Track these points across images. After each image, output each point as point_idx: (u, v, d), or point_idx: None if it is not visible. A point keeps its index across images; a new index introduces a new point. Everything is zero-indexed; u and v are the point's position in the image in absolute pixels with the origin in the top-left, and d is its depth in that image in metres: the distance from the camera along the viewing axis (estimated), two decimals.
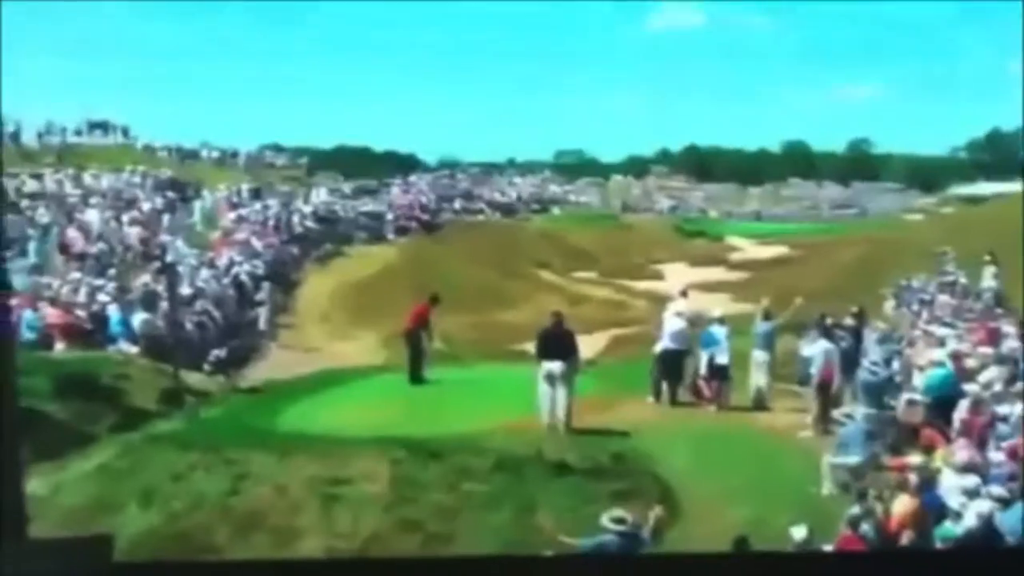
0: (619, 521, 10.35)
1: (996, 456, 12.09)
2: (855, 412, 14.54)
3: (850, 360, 16.53)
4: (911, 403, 14.89)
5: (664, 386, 17.23)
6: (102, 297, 21.68)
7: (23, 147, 39.53)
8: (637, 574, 4.69)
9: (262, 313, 27.54)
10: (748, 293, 34.10)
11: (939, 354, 15.72)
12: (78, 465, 14.25)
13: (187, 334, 22.11)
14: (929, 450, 13.00)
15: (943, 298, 26.71)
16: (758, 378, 17.26)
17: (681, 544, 11.39)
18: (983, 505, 10.50)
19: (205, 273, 26.97)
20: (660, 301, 26.23)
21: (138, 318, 21.15)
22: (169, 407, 17.10)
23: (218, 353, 22.88)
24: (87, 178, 34.53)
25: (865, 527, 10.59)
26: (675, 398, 17.20)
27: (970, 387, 14.14)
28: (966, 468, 11.52)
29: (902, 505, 11.13)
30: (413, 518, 12.54)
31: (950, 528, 10.50)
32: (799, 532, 10.47)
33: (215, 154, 51.42)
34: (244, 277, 28.39)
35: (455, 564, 5.23)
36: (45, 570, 4.02)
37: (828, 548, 10.32)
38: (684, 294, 20.09)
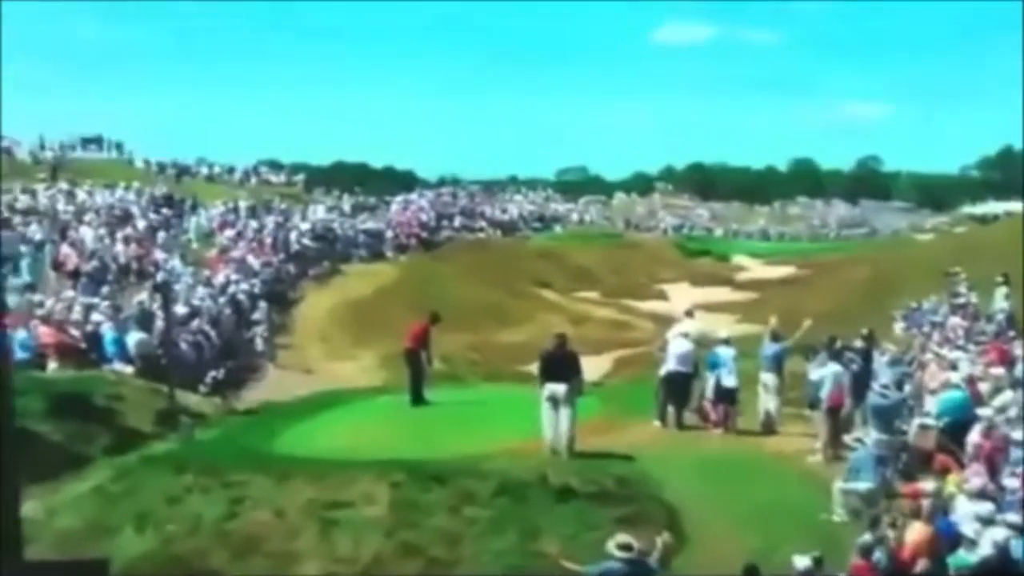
0: (625, 548, 10.35)
1: (1011, 482, 12.08)
2: (866, 437, 14.53)
3: (860, 383, 16.51)
4: (923, 427, 14.91)
5: (670, 409, 17.24)
6: (96, 316, 21.66)
7: (16, 161, 39.64)
8: None
9: (259, 333, 27.56)
10: (755, 314, 34.17)
11: (954, 377, 15.73)
12: (72, 487, 14.25)
13: (183, 354, 22.10)
14: (942, 475, 13.00)
15: (954, 320, 26.72)
16: (766, 401, 17.27)
17: (687, 572, 11.40)
18: (998, 533, 10.51)
19: (201, 291, 26.98)
20: (665, 322, 26.32)
21: (133, 337, 21.14)
22: (164, 429, 17.08)
23: (214, 373, 22.92)
24: (81, 194, 34.60)
25: (877, 555, 10.59)
26: (681, 421, 17.21)
27: (983, 411, 14.15)
28: (980, 494, 11.52)
29: (915, 532, 11.12)
30: (414, 543, 12.53)
31: (965, 556, 10.50)
32: (802, 561, 10.46)
33: (211, 170, 51.53)
34: (241, 296, 28.42)
35: None
36: None
37: None
38: (690, 314, 20.11)
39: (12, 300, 21.03)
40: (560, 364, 15.46)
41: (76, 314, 21.67)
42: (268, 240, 35.25)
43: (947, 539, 10.93)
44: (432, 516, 12.94)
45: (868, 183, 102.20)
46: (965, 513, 11.23)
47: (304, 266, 35.78)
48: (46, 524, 12.81)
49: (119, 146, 50.19)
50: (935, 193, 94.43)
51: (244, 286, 29.15)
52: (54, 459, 14.81)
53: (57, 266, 26.40)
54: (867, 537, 10.94)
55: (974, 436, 13.48)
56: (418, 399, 19.08)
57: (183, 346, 22.45)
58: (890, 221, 79.73)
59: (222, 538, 12.79)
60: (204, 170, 51.18)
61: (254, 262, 32.16)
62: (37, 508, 12.91)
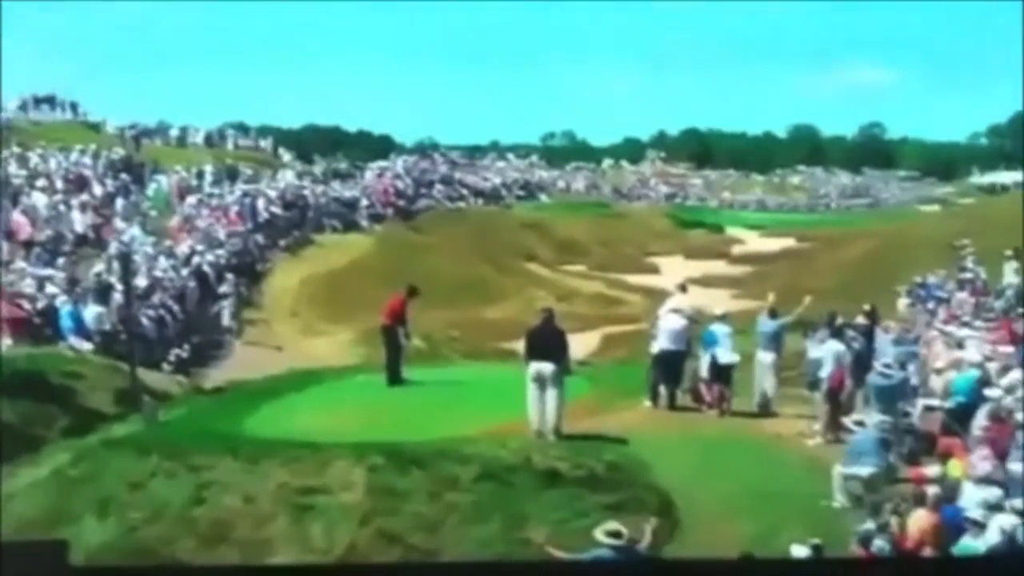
0: (614, 535, 10.46)
1: (1018, 467, 12.23)
2: (867, 419, 14.67)
3: (862, 363, 16.66)
4: (928, 409, 15.05)
5: (662, 389, 17.31)
6: (51, 289, 21.63)
7: None
8: None
9: (226, 307, 27.54)
10: (752, 289, 34.38)
11: (970, 355, 15.85)
12: (28, 472, 14.28)
13: (144, 330, 22.12)
14: (947, 460, 13.15)
15: (961, 296, 26.96)
16: (763, 381, 17.38)
17: (680, 560, 11.52)
18: (1007, 520, 10.64)
19: (163, 263, 26.93)
20: (656, 297, 26.36)
21: (90, 312, 21.14)
22: (126, 409, 17.11)
23: (178, 351, 22.93)
24: (33, 158, 34.37)
25: (879, 543, 10.71)
26: (674, 402, 17.29)
27: (991, 392, 14.28)
28: (987, 480, 11.66)
29: (919, 520, 11.27)
30: (392, 530, 12.62)
31: (971, 544, 10.63)
32: (800, 550, 10.58)
33: (172, 132, 51.21)
34: (206, 268, 28.37)
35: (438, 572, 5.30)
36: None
37: None
38: (683, 289, 20.16)
39: None
40: (546, 342, 15.53)
41: (29, 287, 21.63)
42: (234, 208, 35.12)
43: (952, 526, 11.07)
44: (411, 502, 13.03)
45: (872, 151, 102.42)
46: (971, 499, 11.36)
47: (273, 236, 35.65)
48: (2, 511, 12.83)
49: (74, 106, 49.65)
50: (942, 162, 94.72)
51: (209, 257, 29.08)
52: (9, 442, 14.85)
53: (8, 235, 26.27)
54: (868, 525, 11.08)
55: (981, 419, 13.62)
56: (396, 378, 19.13)
57: (145, 321, 22.45)
58: (895, 191, 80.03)
59: (188, 525, 12.87)
60: (165, 132, 50.83)
61: (220, 232, 32.05)
62: None
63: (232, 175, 40.98)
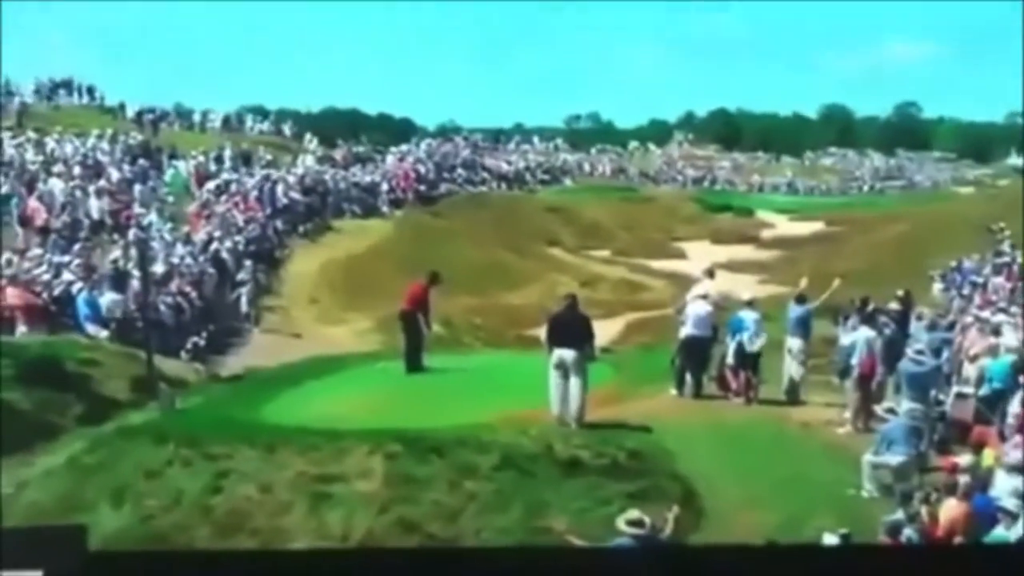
0: (636, 524, 10.45)
1: None
2: (898, 406, 14.60)
3: (894, 349, 16.57)
4: (961, 396, 14.97)
5: (687, 377, 17.30)
6: (67, 275, 21.77)
7: None
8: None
9: (244, 294, 27.63)
10: (781, 274, 34.29)
11: (1006, 341, 15.74)
12: (44, 460, 14.39)
13: (161, 317, 22.25)
14: (980, 448, 13.07)
15: (997, 280, 26.81)
16: (791, 368, 17.32)
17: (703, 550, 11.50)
18: None
19: (181, 249, 27.06)
20: (682, 282, 26.37)
21: (107, 299, 21.26)
22: (142, 397, 17.22)
23: (196, 338, 23.04)
24: (50, 143, 34.56)
25: (908, 533, 10.67)
26: (699, 390, 17.28)
27: None
28: (1021, 469, 11.59)
29: (950, 509, 11.21)
30: (410, 519, 12.64)
31: (1003, 534, 10.57)
32: (829, 540, 10.55)
33: (190, 117, 51.40)
34: (224, 254, 28.48)
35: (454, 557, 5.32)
36: (20, 559, 4.17)
37: None
38: (710, 275, 20.13)
39: None
40: (569, 328, 15.51)
41: (45, 274, 21.77)
42: (253, 193, 35.22)
43: (984, 516, 11.01)
44: (430, 490, 13.05)
45: (906, 132, 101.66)
46: (1004, 488, 11.29)
47: (292, 222, 35.76)
48: (15, 499, 12.96)
49: (91, 91, 49.96)
50: (979, 143, 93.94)
51: (227, 243, 29.19)
52: (24, 430, 14.96)
53: (24, 222, 26.45)
54: (898, 515, 11.03)
55: (1015, 406, 13.54)
56: (415, 365, 19.18)
57: (162, 308, 22.58)
58: (930, 173, 79.34)
59: (205, 514, 12.93)
60: (183, 117, 51.02)
61: (238, 217, 32.18)
62: (7, 482, 13.06)
63: (250, 160, 41.12)
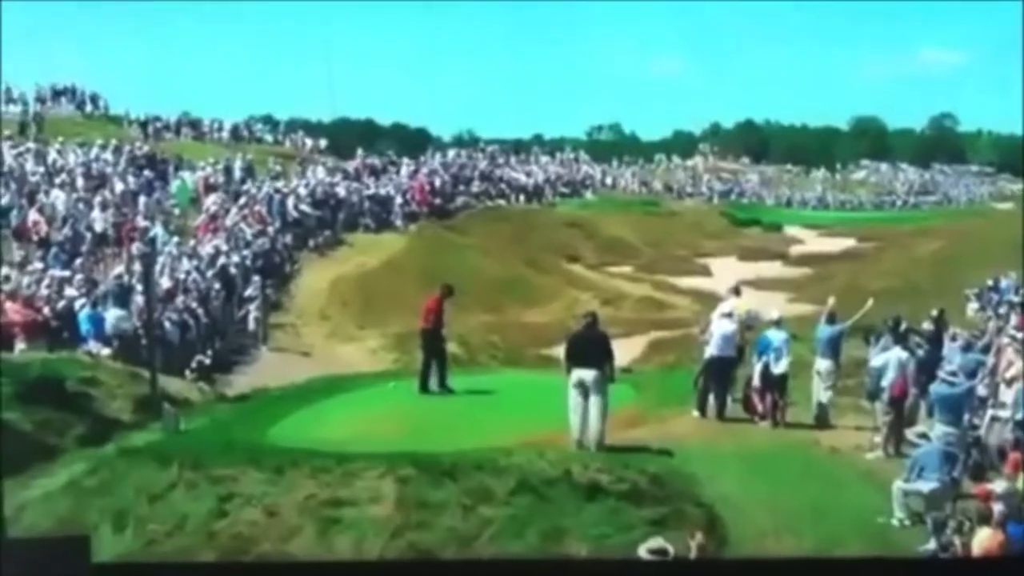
0: (659, 552, 10.47)
1: None
2: (931, 431, 14.57)
3: (927, 371, 16.54)
4: (996, 420, 14.92)
5: (711, 398, 17.31)
6: (69, 291, 21.89)
7: None
8: None
9: (252, 311, 27.74)
10: (810, 292, 34.26)
11: None
12: (43, 482, 14.44)
13: (166, 334, 22.35)
14: (1017, 475, 13.04)
15: None
16: (820, 391, 17.31)
17: None
18: None
19: (186, 264, 27.16)
20: (707, 300, 26.36)
21: (110, 315, 21.36)
22: (146, 417, 17.28)
23: (201, 356, 23.14)
24: (52, 153, 34.79)
25: None
26: (723, 412, 17.28)
27: None
28: None
29: (984, 539, 11.18)
30: (423, 545, 12.66)
31: None
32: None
33: (197, 127, 51.63)
34: (231, 269, 28.60)
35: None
36: (24, 569, 4.26)
37: None
38: (736, 292, 20.12)
39: None
40: (589, 347, 15.53)
41: (46, 289, 21.90)
42: (262, 206, 35.35)
43: (1020, 546, 10.98)
44: (443, 515, 13.06)
45: (942, 144, 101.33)
46: None
47: (303, 236, 35.88)
48: (15, 521, 12.99)
49: (94, 99, 50.27)
50: (1018, 156, 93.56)
51: (235, 258, 29.32)
52: (23, 450, 15.00)
53: (25, 235, 26.61)
54: (931, 544, 11.03)
55: None
56: (427, 385, 19.24)
57: (167, 325, 22.68)
58: (966, 187, 79.17)
59: (209, 539, 12.95)
60: (189, 127, 51.26)
61: (246, 231, 32.30)
62: (5, 505, 13.10)
63: (259, 171, 41.27)
